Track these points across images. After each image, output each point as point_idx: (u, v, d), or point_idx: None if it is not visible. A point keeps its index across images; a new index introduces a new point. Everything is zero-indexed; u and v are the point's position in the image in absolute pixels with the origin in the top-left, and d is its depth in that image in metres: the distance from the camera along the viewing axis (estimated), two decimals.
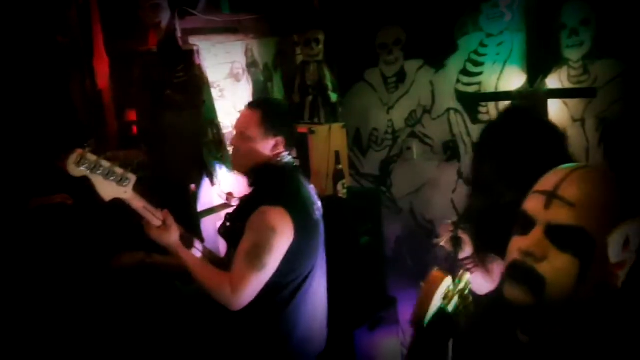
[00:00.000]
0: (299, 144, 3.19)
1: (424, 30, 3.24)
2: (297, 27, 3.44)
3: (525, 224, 0.94)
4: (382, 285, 3.46)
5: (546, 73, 2.83)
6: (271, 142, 1.92)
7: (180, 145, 2.85)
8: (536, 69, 2.85)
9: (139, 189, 1.76)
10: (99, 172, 1.67)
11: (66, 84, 3.24)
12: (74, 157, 1.65)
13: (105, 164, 1.68)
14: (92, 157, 1.66)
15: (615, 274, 0.92)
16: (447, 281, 1.67)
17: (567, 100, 2.82)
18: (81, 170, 1.65)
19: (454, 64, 3.17)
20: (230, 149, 1.99)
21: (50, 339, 2.18)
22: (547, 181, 0.96)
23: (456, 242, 1.70)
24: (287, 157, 1.98)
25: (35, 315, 2.18)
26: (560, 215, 0.91)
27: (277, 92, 3.58)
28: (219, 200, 3.07)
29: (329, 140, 3.23)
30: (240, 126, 1.96)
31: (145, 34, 3.08)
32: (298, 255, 1.88)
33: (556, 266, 0.90)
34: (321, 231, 2.05)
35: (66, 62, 3.19)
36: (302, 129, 3.20)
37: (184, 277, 2.48)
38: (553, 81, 2.83)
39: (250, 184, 1.99)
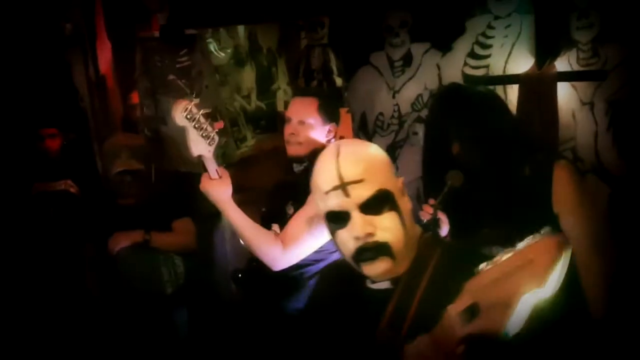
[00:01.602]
0: None
1: (430, 12, 3.18)
2: (302, 10, 3.39)
3: (340, 219, 1.09)
4: None
5: (555, 56, 2.77)
6: (327, 129, 2.10)
7: (183, 131, 2.84)
8: (545, 51, 2.79)
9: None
10: (197, 126, 1.75)
11: (69, 69, 3.23)
12: (181, 106, 1.72)
13: (204, 120, 1.76)
14: (196, 111, 1.74)
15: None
16: None
17: (576, 84, 2.76)
18: (184, 120, 1.73)
19: (462, 46, 3.11)
20: (287, 136, 2.13)
21: (49, 325, 2.19)
22: (326, 179, 1.10)
23: (436, 224, 1.72)
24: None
25: (35, 302, 2.19)
26: (361, 192, 1.07)
27: (282, 76, 3.55)
28: None
29: None
30: (299, 114, 2.09)
31: (149, 19, 3.05)
32: None
33: (386, 227, 1.08)
34: None
35: (69, 47, 3.17)
36: None
37: (184, 253, 2.51)
38: (562, 64, 2.77)
39: (306, 167, 2.10)
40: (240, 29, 3.23)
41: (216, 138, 1.81)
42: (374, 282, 1.14)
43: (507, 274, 0.87)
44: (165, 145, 2.88)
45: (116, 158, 2.37)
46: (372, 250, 1.07)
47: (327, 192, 1.09)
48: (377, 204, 1.08)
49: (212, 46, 3.03)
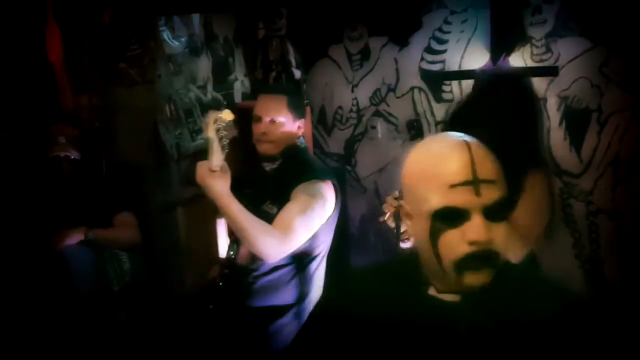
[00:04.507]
0: None
1: (388, 6, 3.18)
2: (259, 0, 3.34)
3: (455, 218, 0.98)
4: (346, 263, 3.45)
5: (509, 51, 2.81)
6: (297, 125, 2.11)
7: (135, 122, 2.76)
8: (499, 47, 2.83)
9: None
10: (223, 138, 1.68)
11: (19, 57, 3.09)
12: (213, 117, 1.66)
13: (233, 132, 1.69)
14: (227, 125, 1.67)
15: None
16: None
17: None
18: (213, 132, 1.66)
19: (418, 41, 3.13)
20: (258, 135, 2.08)
21: None
22: (455, 171, 0.98)
23: (398, 217, 1.70)
24: (302, 139, 2.15)
25: None
26: (492, 195, 0.98)
27: (239, 67, 3.48)
28: None
29: None
30: (270, 113, 2.06)
31: (99, 4, 2.95)
32: (330, 229, 2.07)
33: (500, 237, 0.99)
34: None
35: (18, 33, 3.04)
36: None
37: (129, 249, 2.44)
38: (516, 59, 2.81)
39: (278, 165, 2.11)
40: (195, 17, 3.15)
41: (226, 145, 1.71)
42: (441, 292, 1.05)
43: None
44: (116, 136, 2.79)
45: (54, 144, 2.29)
46: (483, 258, 0.97)
47: (453, 186, 0.97)
48: (498, 210, 0.98)
49: (165, 34, 2.94)
